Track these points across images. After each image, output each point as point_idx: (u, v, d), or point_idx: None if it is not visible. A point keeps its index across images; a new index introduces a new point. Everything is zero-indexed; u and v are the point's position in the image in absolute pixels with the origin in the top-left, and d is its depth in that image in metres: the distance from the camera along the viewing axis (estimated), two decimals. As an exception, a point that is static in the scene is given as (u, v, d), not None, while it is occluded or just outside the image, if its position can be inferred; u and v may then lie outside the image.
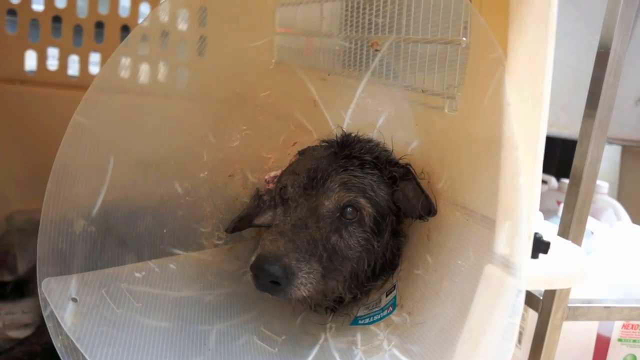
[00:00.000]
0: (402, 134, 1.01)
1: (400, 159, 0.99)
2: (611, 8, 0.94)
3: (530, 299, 1.05)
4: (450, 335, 0.76)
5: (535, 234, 0.70)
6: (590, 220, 1.19)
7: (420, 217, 0.94)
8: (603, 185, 1.93)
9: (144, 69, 1.01)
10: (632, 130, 1.94)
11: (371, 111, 1.05)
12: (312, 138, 1.12)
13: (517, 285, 0.64)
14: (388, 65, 1.01)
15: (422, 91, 0.94)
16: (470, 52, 0.84)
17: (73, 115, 0.87)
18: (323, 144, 1.04)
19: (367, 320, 0.96)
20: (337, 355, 0.91)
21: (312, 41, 1.19)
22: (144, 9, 1.85)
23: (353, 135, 1.02)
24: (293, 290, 0.87)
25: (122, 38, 1.34)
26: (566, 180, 1.84)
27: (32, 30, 1.76)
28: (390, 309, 0.94)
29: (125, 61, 0.94)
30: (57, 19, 1.78)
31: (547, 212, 1.69)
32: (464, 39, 0.85)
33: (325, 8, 1.15)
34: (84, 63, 1.83)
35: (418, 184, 0.95)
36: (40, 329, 1.32)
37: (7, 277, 1.57)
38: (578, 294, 1.04)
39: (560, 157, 2.31)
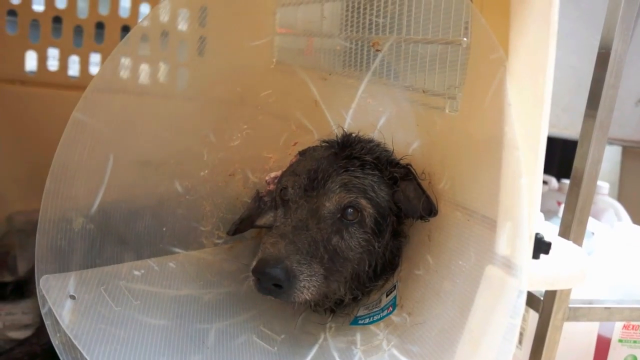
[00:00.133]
0: (403, 135, 1.00)
1: (401, 159, 0.99)
2: (612, 8, 0.94)
3: (531, 300, 1.05)
4: (450, 335, 0.76)
5: (537, 234, 0.70)
6: (590, 221, 1.19)
7: (421, 218, 0.94)
8: (604, 186, 1.93)
9: (144, 68, 1.01)
10: (633, 131, 1.94)
11: (372, 111, 1.05)
12: (313, 138, 1.12)
13: (518, 286, 0.64)
14: (389, 66, 1.01)
15: (423, 91, 0.94)
16: (471, 53, 0.84)
17: (72, 113, 0.87)
18: (323, 144, 1.04)
19: (366, 320, 0.96)
20: (336, 355, 0.90)
21: (312, 41, 1.19)
22: (144, 9, 1.85)
23: (354, 135, 1.02)
24: (296, 293, 0.87)
25: (123, 38, 1.34)
26: (567, 181, 1.84)
27: (33, 31, 1.76)
28: (390, 309, 0.94)
29: (125, 60, 0.94)
30: (57, 20, 1.78)
31: (548, 213, 1.69)
32: (465, 39, 0.84)
33: (326, 8, 1.15)
34: (84, 64, 1.83)
35: (419, 185, 0.95)
36: (40, 329, 1.32)
37: (7, 278, 1.57)
38: (579, 295, 1.04)
39: (560, 157, 2.31)
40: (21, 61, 1.78)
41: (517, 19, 0.74)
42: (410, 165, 0.97)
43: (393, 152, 1.01)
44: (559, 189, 2.12)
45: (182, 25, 1.04)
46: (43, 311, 0.81)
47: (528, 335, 1.19)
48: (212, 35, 1.09)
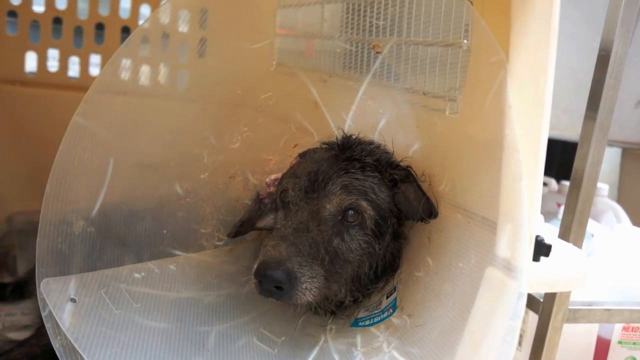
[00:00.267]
0: (403, 136, 1.00)
1: (401, 161, 0.99)
2: (612, 10, 0.95)
3: (531, 301, 1.05)
4: (450, 337, 0.76)
5: (537, 236, 0.70)
6: (590, 223, 1.19)
7: (421, 220, 0.94)
8: (603, 188, 1.93)
9: (145, 70, 1.01)
10: (633, 133, 1.94)
11: (372, 113, 1.05)
12: (313, 140, 1.12)
13: (519, 288, 0.64)
14: (389, 68, 1.01)
15: (423, 93, 0.94)
16: (471, 55, 0.84)
17: (73, 116, 0.87)
18: (324, 146, 1.04)
19: (367, 322, 0.96)
20: (336, 357, 0.90)
21: (312, 43, 1.19)
22: (145, 10, 1.85)
23: (354, 137, 1.02)
24: (297, 295, 0.87)
25: (123, 39, 1.34)
26: (566, 183, 1.84)
27: (33, 32, 1.76)
28: (391, 310, 0.94)
29: (126, 62, 0.94)
30: (57, 21, 1.78)
31: (548, 215, 1.69)
32: (465, 41, 0.84)
33: (326, 10, 1.15)
34: (84, 64, 1.84)
35: (419, 187, 0.95)
36: (40, 330, 1.31)
37: (7, 279, 1.57)
38: (578, 296, 1.04)
39: (560, 159, 2.31)
40: (21, 62, 1.78)
41: (518, 20, 0.74)
42: (411, 167, 0.97)
43: (393, 154, 1.01)
44: (559, 191, 2.12)
45: (183, 27, 1.04)
46: (43, 314, 0.81)
47: (528, 337, 1.19)
48: (213, 37, 1.09)
